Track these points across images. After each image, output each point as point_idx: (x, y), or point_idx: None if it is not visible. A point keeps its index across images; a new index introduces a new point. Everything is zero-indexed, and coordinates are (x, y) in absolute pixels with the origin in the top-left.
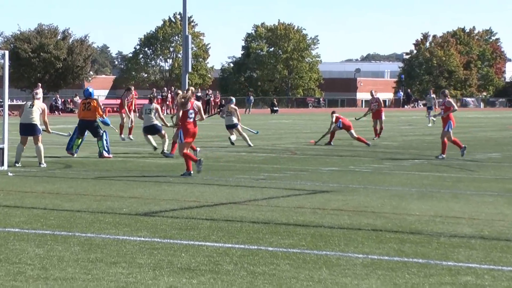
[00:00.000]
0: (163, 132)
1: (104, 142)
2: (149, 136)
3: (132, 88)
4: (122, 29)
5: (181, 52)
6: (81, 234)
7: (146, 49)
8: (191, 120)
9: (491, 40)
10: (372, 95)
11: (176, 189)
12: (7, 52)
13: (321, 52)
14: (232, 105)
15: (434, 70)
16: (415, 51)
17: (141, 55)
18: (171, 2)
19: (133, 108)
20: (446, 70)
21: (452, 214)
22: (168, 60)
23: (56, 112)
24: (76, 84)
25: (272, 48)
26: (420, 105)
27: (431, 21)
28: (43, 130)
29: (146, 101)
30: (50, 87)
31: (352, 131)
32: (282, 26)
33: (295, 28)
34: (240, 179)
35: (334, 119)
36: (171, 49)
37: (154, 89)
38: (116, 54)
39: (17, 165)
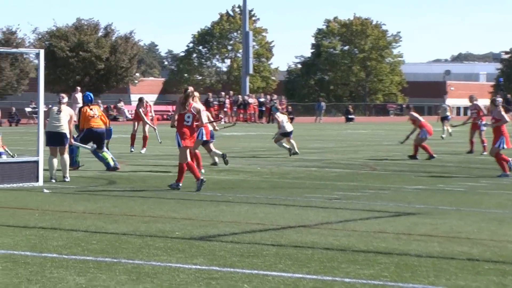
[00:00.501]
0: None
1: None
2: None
3: (144, 98)
4: (172, 25)
5: (240, 51)
6: (127, 260)
7: (201, 47)
8: (188, 124)
9: None
10: (471, 101)
11: (236, 210)
12: (42, 51)
13: (404, 51)
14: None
15: None
16: None
17: (194, 55)
18: None
19: (150, 117)
20: None
21: None
22: (225, 60)
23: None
24: (120, 88)
25: (347, 47)
26: None
27: None
28: None
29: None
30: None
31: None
32: (358, 21)
33: (373, 23)
34: (311, 199)
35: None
36: (229, 47)
37: (210, 94)
38: (165, 54)
39: (53, 181)
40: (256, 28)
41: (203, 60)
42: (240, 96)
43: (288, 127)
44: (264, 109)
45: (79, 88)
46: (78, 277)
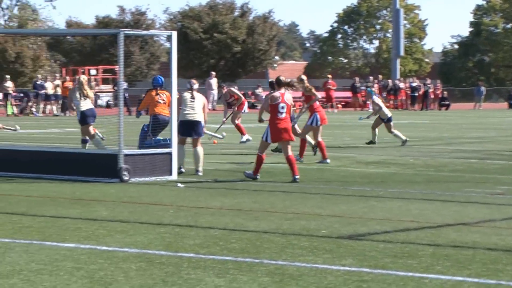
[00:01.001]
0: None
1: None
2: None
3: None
4: (315, 3)
5: (390, 30)
6: (270, 261)
7: (346, 27)
8: (283, 116)
9: None
10: None
11: (387, 206)
12: (175, 33)
13: None
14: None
15: None
16: None
17: (339, 35)
18: None
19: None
20: None
21: None
22: (373, 41)
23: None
24: (258, 73)
25: (510, 24)
26: None
27: None
28: None
29: (343, 93)
30: (226, 76)
31: None
32: None
33: None
34: (471, 194)
35: None
36: (378, 27)
37: (357, 78)
38: (307, 35)
39: (182, 170)
40: (408, 5)
41: (348, 41)
42: (390, 80)
43: (388, 112)
44: (416, 95)
45: (213, 73)
46: (217, 279)
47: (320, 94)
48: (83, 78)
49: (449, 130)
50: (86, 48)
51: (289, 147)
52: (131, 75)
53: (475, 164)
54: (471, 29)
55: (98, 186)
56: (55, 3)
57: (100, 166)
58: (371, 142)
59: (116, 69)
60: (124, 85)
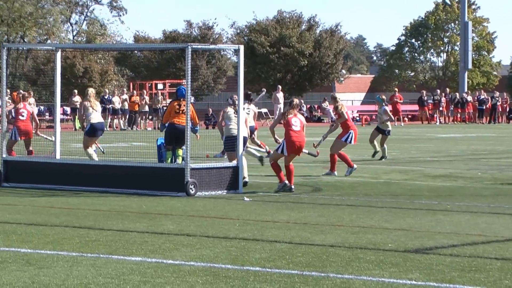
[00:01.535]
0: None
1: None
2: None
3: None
4: (382, 16)
5: (458, 43)
6: (336, 275)
7: (413, 40)
8: (297, 129)
9: None
10: None
11: (455, 219)
12: (242, 47)
13: None
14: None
15: None
16: None
17: (406, 49)
18: None
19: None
20: None
21: None
22: (441, 54)
23: None
24: (324, 86)
25: None
26: None
27: None
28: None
29: (410, 106)
30: (292, 90)
31: None
32: None
33: None
34: None
35: None
36: (445, 40)
37: (424, 92)
38: (374, 48)
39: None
40: (476, 17)
41: (415, 55)
42: (457, 93)
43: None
44: (484, 108)
45: (280, 87)
46: None
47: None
48: (91, 91)
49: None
50: (154, 62)
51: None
52: (198, 89)
53: None
54: None
55: (164, 200)
56: (123, 18)
57: (167, 180)
58: (382, 157)
59: (183, 83)
60: (191, 99)
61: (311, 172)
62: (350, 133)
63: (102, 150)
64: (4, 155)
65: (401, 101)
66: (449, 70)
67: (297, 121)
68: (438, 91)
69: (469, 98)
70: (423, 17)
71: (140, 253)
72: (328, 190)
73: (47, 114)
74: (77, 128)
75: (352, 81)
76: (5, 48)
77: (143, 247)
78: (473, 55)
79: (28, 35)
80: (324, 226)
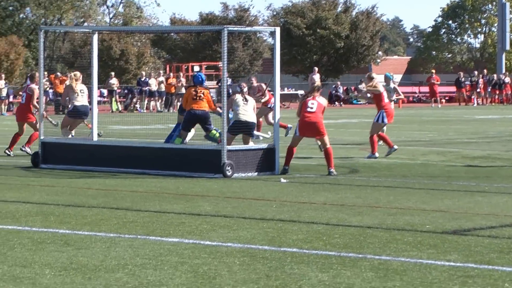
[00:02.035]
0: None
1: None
2: None
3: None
4: None
5: (495, 24)
6: (373, 256)
7: (450, 22)
8: (312, 110)
9: None
10: None
11: (493, 201)
12: (278, 29)
13: None
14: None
15: None
16: None
17: (443, 30)
18: None
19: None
20: None
21: None
22: (478, 35)
23: (336, 102)
24: (361, 68)
25: None
26: None
27: None
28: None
29: (447, 88)
30: (328, 72)
31: None
32: None
33: None
34: None
35: None
36: (483, 21)
37: (461, 73)
38: (410, 30)
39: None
40: None
41: (452, 36)
42: (495, 75)
43: None
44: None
45: (316, 69)
46: (321, 274)
47: (417, 89)
48: (74, 74)
49: None
50: (190, 45)
51: (326, 140)
52: (234, 71)
53: None
54: None
55: (201, 181)
56: (159, 1)
57: (204, 162)
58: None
59: (219, 65)
60: (228, 81)
61: (347, 154)
62: (380, 112)
63: (99, 133)
64: (42, 137)
65: (438, 82)
66: (487, 52)
67: (314, 103)
68: (476, 72)
69: (507, 80)
70: None
71: (178, 234)
72: (365, 171)
73: None
74: (113, 110)
75: (388, 62)
76: (42, 31)
77: (180, 228)
78: (511, 36)
79: (65, 17)
80: (361, 207)
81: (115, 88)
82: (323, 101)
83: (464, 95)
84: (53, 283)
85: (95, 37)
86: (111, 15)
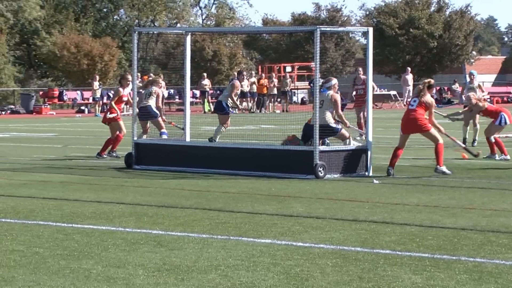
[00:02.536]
0: None
1: None
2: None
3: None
4: None
5: None
6: (468, 258)
7: None
8: (411, 107)
9: None
10: None
11: None
12: (370, 29)
13: None
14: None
15: None
16: None
17: None
18: None
19: None
20: None
21: None
22: None
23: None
24: (454, 68)
25: None
26: None
27: None
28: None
29: None
30: (421, 72)
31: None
32: None
33: None
34: None
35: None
36: None
37: None
38: (505, 29)
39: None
40: None
41: None
42: None
43: None
44: None
45: (409, 69)
46: (414, 276)
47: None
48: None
49: None
50: (282, 45)
51: (437, 136)
52: (326, 71)
53: None
54: None
55: (293, 182)
56: (251, 1)
57: (296, 163)
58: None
59: (311, 66)
60: (320, 82)
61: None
62: (501, 115)
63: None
64: (135, 138)
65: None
66: None
67: (416, 100)
68: None
69: None
70: None
71: (270, 235)
72: (459, 172)
73: (177, 97)
74: (206, 110)
75: (482, 62)
76: (136, 32)
77: (272, 230)
78: None
79: (158, 19)
80: (455, 209)
81: (207, 89)
82: (429, 100)
83: None
84: (146, 284)
85: (188, 38)
86: (203, 16)
